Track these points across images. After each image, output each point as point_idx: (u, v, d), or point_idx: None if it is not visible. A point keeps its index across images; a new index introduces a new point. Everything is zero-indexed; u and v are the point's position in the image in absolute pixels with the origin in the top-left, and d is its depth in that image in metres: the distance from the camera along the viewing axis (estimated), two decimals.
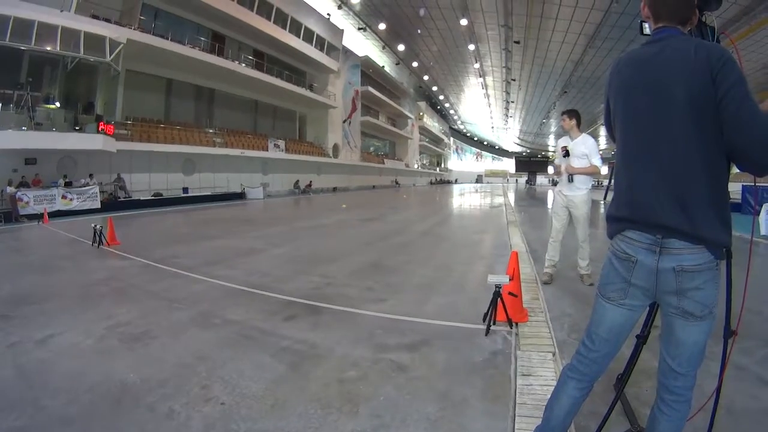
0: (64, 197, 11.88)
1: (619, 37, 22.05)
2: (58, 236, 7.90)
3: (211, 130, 20.42)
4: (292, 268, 4.69)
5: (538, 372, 2.11)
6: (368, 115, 35.60)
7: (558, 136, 35.76)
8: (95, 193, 12.87)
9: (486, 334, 2.63)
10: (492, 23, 25.78)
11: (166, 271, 4.64)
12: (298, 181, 25.12)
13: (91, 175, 13.57)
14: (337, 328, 2.85)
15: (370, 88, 33.69)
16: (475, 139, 75.33)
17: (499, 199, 19.22)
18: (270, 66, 23.03)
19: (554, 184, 15.58)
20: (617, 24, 20.71)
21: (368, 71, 34.60)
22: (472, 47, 30.74)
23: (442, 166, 63.26)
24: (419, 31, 29.85)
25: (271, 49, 23.25)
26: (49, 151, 12.54)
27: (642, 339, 1.45)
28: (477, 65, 34.66)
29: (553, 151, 9.62)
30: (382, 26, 29.41)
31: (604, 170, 4.74)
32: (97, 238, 6.10)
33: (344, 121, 31.22)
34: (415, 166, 49.31)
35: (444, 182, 57.96)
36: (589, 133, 3.89)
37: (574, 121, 3.75)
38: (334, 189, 29.09)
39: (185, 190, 17.81)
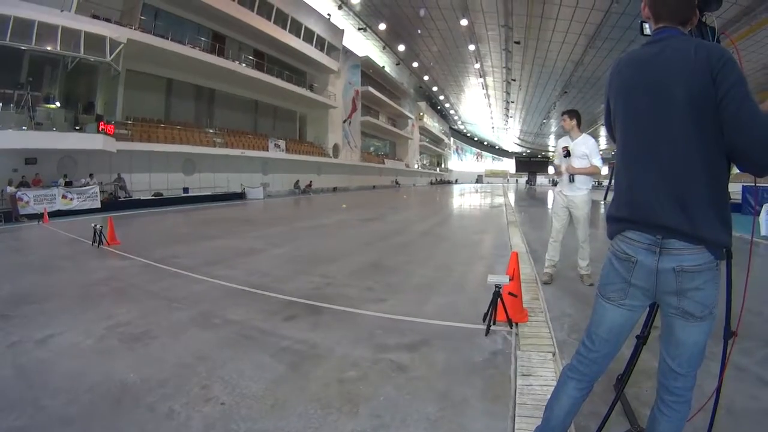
0: (64, 197, 11.88)
1: (619, 37, 22.05)
2: (58, 236, 7.90)
3: (211, 130, 20.44)
4: (292, 268, 4.69)
5: (538, 372, 2.11)
6: (368, 115, 35.60)
7: (558, 137, 35.72)
8: (95, 192, 12.88)
9: (486, 334, 2.63)
10: (492, 23, 25.79)
11: (166, 270, 4.64)
12: (298, 181, 25.13)
13: (91, 175, 13.58)
14: (337, 328, 2.85)
15: (371, 89, 33.71)
16: (476, 139, 75.32)
17: (499, 199, 19.21)
18: (270, 66, 23.05)
19: (554, 184, 15.58)
20: (617, 24, 20.72)
21: (368, 71, 34.61)
22: (472, 47, 30.76)
23: (443, 166, 63.26)
24: (419, 32, 29.87)
25: (271, 49, 23.26)
26: (49, 151, 12.55)
27: (642, 339, 1.44)
28: (477, 65, 34.68)
29: (553, 152, 9.60)
30: (382, 26, 29.43)
31: (605, 170, 4.75)
32: (97, 238, 6.11)
33: (344, 121, 31.23)
34: (416, 167, 49.32)
35: (444, 182, 57.95)
36: (589, 134, 3.89)
37: (574, 122, 3.75)
38: (335, 189, 29.09)
39: (185, 190, 17.83)
